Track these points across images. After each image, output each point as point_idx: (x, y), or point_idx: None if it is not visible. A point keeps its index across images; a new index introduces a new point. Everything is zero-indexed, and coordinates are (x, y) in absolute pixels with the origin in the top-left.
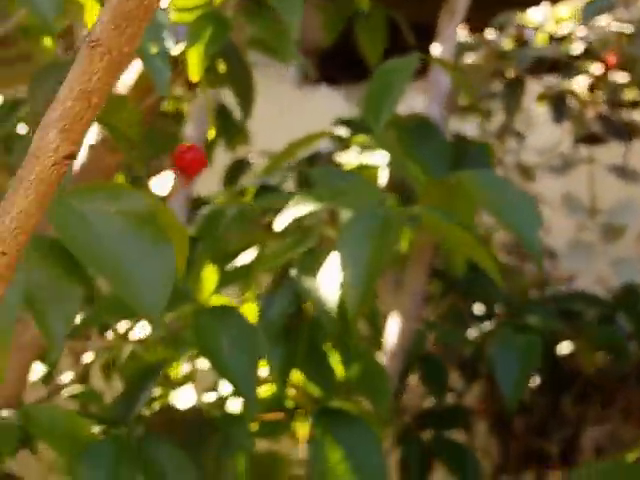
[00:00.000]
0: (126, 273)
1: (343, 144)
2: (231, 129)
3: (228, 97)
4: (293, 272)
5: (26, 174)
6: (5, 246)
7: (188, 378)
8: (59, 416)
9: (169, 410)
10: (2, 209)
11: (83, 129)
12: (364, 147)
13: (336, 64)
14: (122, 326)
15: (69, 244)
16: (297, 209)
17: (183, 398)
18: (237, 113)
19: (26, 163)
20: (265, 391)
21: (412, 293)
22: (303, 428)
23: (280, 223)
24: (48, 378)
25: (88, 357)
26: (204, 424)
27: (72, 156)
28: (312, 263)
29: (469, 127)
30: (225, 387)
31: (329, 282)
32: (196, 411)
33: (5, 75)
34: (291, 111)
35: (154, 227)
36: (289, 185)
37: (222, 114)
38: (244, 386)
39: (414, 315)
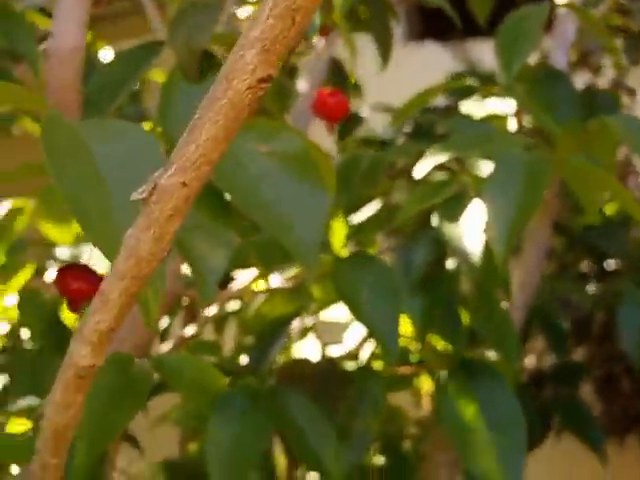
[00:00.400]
0: (281, 216)
1: (465, 95)
2: (344, 83)
3: (340, 50)
4: (434, 220)
5: (216, 98)
6: (186, 176)
7: (308, 331)
8: (191, 365)
9: (300, 362)
10: (187, 136)
11: (283, 50)
12: (489, 97)
13: (442, 20)
14: (244, 279)
15: (224, 186)
16: (437, 157)
17: (307, 351)
18: (349, 66)
19: (217, 86)
20: None
21: (536, 247)
22: (427, 382)
23: (420, 171)
24: (166, 332)
25: (211, 310)
26: (337, 377)
27: (269, 79)
28: (453, 211)
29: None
30: (350, 340)
31: (473, 231)
32: (328, 363)
33: (109, 31)
34: (397, 67)
35: (309, 168)
36: (401, 139)
37: (335, 67)
38: (385, 334)
39: (536, 270)
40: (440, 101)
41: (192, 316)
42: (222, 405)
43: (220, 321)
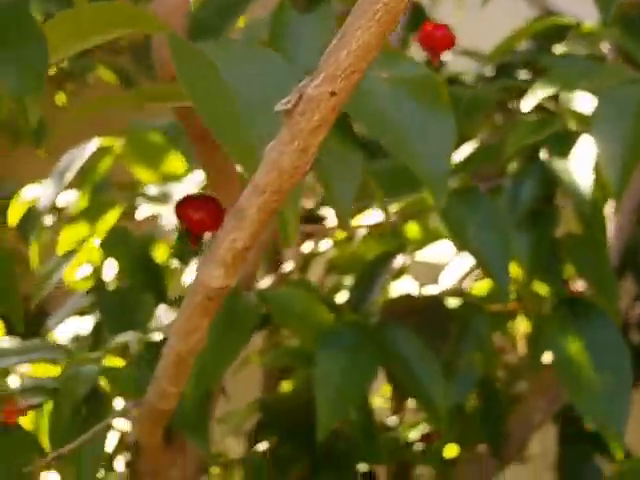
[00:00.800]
0: (408, 141)
1: (550, 38)
2: None
3: None
4: (542, 155)
5: (370, 3)
6: (335, 86)
7: (403, 272)
8: (298, 299)
9: (404, 298)
10: (337, 44)
11: None
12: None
13: None
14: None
15: (351, 110)
16: (542, 91)
17: (404, 290)
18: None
19: None
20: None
21: (631, 190)
22: (523, 324)
23: (527, 105)
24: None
25: (307, 247)
26: (441, 313)
27: None
28: (562, 147)
29: None
30: (445, 281)
31: (582, 166)
32: (432, 299)
33: None
34: (474, 14)
35: (434, 95)
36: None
37: (415, 11)
38: (495, 268)
39: (631, 214)
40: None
41: (277, 253)
42: (329, 339)
43: (305, 260)
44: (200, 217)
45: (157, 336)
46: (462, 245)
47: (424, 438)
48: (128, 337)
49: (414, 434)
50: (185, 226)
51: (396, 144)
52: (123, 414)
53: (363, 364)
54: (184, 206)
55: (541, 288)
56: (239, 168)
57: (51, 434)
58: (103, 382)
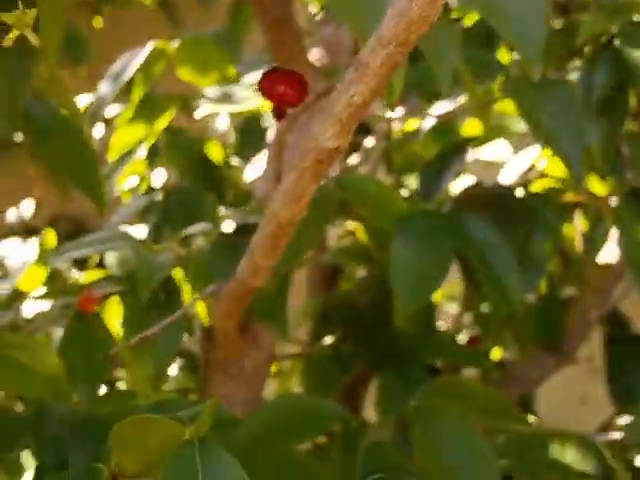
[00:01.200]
0: (501, 6)
1: None
2: None
3: None
4: (616, 43)
5: None
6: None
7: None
8: (373, 185)
9: (475, 187)
10: None
11: None
12: None
13: None
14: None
15: None
16: None
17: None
18: None
19: None
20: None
21: None
22: (581, 222)
23: None
24: None
25: (369, 142)
26: (511, 202)
27: None
28: (634, 35)
29: None
30: (504, 179)
31: None
32: (503, 189)
33: None
34: None
35: None
36: None
37: None
38: (570, 155)
39: None
40: None
41: None
42: (405, 225)
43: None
44: (284, 90)
45: (227, 226)
46: (537, 133)
47: (471, 341)
48: (194, 230)
49: (461, 337)
50: (268, 100)
51: (488, 10)
52: (200, 299)
53: (439, 250)
54: (268, 79)
55: (600, 183)
56: (313, 56)
57: (127, 322)
58: (174, 273)
